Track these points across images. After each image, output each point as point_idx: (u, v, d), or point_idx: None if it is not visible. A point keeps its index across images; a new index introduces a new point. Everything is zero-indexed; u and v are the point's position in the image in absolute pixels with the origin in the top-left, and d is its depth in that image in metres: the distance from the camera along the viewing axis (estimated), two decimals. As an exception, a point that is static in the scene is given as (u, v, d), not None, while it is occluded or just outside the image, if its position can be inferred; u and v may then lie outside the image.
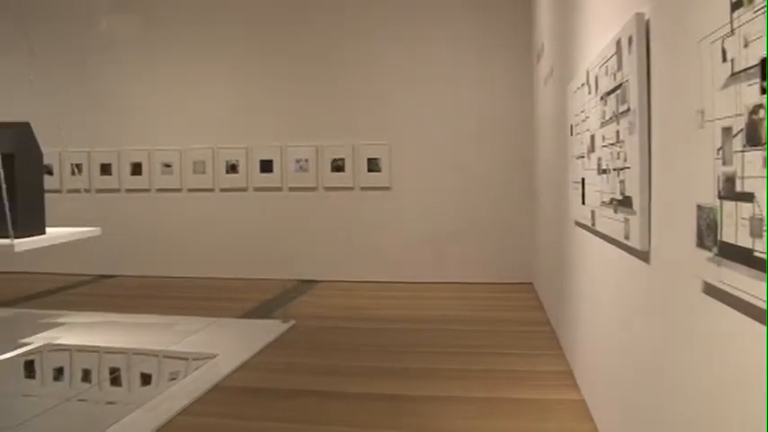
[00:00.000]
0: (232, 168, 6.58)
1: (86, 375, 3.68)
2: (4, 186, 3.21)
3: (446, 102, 6.12)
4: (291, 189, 6.46)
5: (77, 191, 6.96)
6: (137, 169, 6.83)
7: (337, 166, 6.34)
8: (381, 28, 6.22)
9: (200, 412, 2.91)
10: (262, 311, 5.03)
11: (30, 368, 3.78)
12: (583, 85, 2.74)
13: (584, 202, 2.74)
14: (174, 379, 3.46)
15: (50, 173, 6.88)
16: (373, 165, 6.26)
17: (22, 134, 3.51)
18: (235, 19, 6.54)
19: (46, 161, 4.27)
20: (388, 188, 6.25)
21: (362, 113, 6.28)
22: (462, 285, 5.87)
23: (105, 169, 6.91)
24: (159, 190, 6.80)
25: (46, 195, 3.93)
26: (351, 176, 6.31)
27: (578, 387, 3.10)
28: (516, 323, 4.52)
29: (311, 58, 6.37)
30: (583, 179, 2.75)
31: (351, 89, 6.30)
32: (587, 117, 2.63)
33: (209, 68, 6.62)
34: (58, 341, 4.20)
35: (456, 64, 6.10)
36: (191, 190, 6.73)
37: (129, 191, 6.87)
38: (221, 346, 3.93)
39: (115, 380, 3.53)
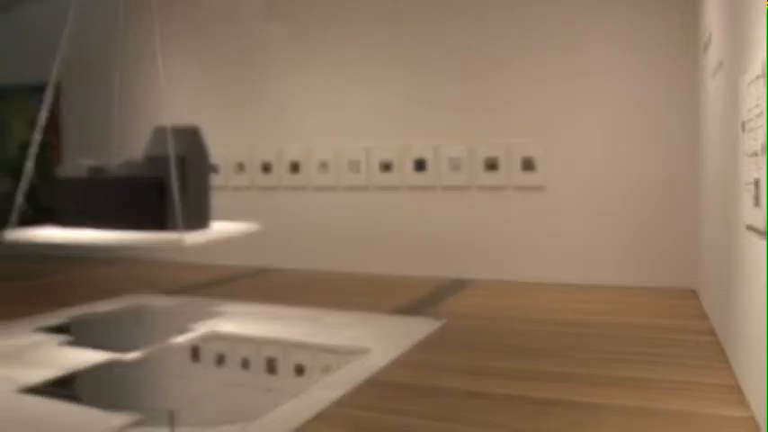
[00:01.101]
0: (386, 167, 6.67)
1: (245, 363, 3.85)
2: (176, 186, 3.40)
3: (603, 98, 5.86)
4: (444, 188, 6.45)
5: (242, 188, 7.36)
6: (295, 167, 7.09)
7: (491, 165, 6.26)
8: (537, 25, 6.07)
9: (352, 404, 2.95)
10: (413, 309, 5.05)
11: (195, 353, 4.01)
12: (758, 77, 2.51)
13: (757, 204, 2.52)
14: (326, 372, 3.54)
15: (216, 171, 7.31)
16: (527, 164, 6.13)
17: (193, 137, 3.72)
18: (390, 18, 6.61)
19: (212, 160, 4.51)
20: (542, 187, 6.09)
21: (517, 111, 6.15)
22: (618, 289, 5.61)
23: (266, 167, 7.23)
24: (316, 188, 7.02)
25: (211, 192, 4.16)
26: (504, 175, 6.20)
27: (747, 404, 2.85)
28: (676, 331, 4.24)
29: (465, 55, 6.32)
30: (756, 180, 2.53)
31: (505, 87, 6.19)
32: (762, 111, 2.42)
33: (365, 68, 6.75)
34: (220, 329, 4.44)
35: (613, 59, 5.82)
36: (346, 188, 6.89)
37: (287, 188, 7.15)
38: (373, 342, 3.98)
39: (271, 369, 3.67)
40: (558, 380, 3.26)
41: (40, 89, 8.91)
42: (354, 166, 6.80)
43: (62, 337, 4.25)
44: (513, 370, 3.44)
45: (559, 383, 3.20)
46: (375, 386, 3.21)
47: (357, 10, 6.76)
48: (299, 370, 3.67)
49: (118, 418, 2.76)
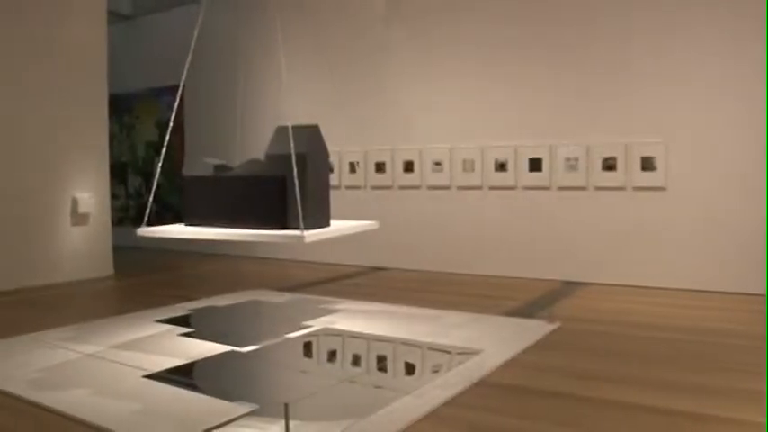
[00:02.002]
0: (501, 167, 6.59)
1: (356, 360, 3.89)
2: (297, 184, 3.48)
3: (724, 98, 5.54)
4: (560, 188, 6.30)
5: (355, 187, 7.47)
6: (409, 167, 7.12)
7: (608, 166, 6.06)
8: (660, 24, 5.82)
9: (464, 405, 2.92)
10: (526, 311, 4.96)
11: (309, 348, 4.09)
12: None
13: None
14: (437, 371, 3.53)
15: (332, 170, 7.46)
16: (647, 164, 5.89)
17: (312, 135, 3.80)
18: (506, 17, 6.52)
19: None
20: (662, 188, 5.84)
21: (636, 110, 5.91)
22: (745, 297, 5.30)
23: (380, 167, 7.30)
24: (430, 187, 7.02)
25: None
26: (623, 176, 5.99)
27: None
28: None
29: (582, 53, 6.15)
30: None
31: (624, 85, 5.97)
32: None
33: (479, 67, 6.69)
34: (334, 326, 4.51)
35: (738, 54, 5.49)
36: (460, 188, 6.86)
37: (401, 188, 7.18)
38: (485, 343, 3.93)
39: (382, 366, 3.70)
40: (669, 388, 3.11)
41: (165, 92, 9.43)
42: (469, 165, 6.75)
43: (183, 329, 4.45)
44: (632, 377, 3.31)
45: (669, 392, 3.04)
46: (488, 387, 3.17)
47: (477, 11, 6.70)
48: (411, 368, 3.67)
49: (235, 407, 2.85)
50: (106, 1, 7.24)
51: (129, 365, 3.58)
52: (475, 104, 6.72)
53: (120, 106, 10.05)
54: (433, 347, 3.94)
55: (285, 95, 7.50)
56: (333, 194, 4.16)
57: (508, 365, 3.51)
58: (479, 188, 6.73)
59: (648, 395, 3.02)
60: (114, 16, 9.58)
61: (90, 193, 6.95)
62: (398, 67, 7.16)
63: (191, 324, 4.65)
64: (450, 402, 2.93)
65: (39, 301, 5.65)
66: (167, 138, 4.31)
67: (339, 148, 7.31)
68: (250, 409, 2.82)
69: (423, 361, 3.84)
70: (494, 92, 6.62)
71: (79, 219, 6.86)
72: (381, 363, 3.78)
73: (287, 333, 4.30)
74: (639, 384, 3.19)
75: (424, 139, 7.00)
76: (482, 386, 3.17)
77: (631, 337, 4.15)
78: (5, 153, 6.23)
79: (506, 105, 6.54)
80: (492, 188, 6.66)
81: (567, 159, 6.23)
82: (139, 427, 2.67)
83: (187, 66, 4.30)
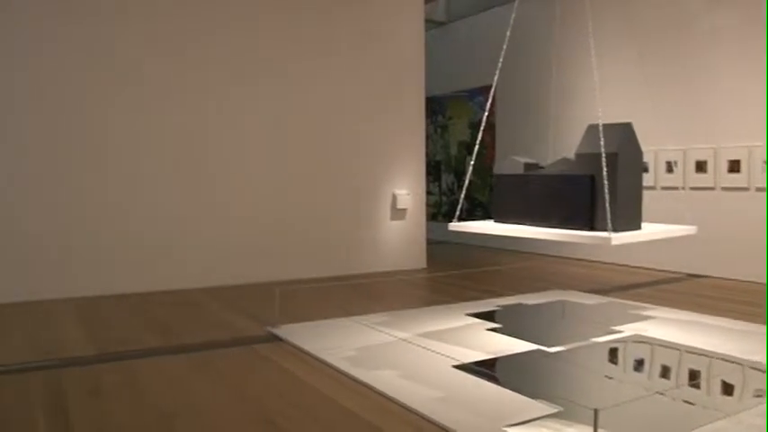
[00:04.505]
0: None
1: (666, 371, 3.66)
2: (606, 184, 3.38)
3: None
4: None
5: (673, 188, 7.02)
6: (734, 167, 6.48)
7: None
8: None
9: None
10: None
11: (615, 354, 3.94)
12: None
13: None
14: (759, 396, 3.17)
15: (646, 170, 7.09)
16: None
17: (624, 134, 3.65)
18: None
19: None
20: None
21: None
22: None
23: (700, 167, 6.76)
24: (757, 189, 6.33)
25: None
26: None
27: None
28: None
29: None
30: None
31: None
32: None
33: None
34: (644, 333, 4.29)
35: None
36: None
37: (724, 189, 6.58)
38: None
39: (695, 382, 3.43)
40: None
41: (477, 93, 9.72)
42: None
43: (490, 324, 4.56)
44: None
45: None
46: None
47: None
48: (728, 389, 3.35)
49: (539, 407, 2.86)
50: (423, 12, 7.68)
51: (439, 353, 3.77)
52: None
53: (434, 108, 10.60)
54: (756, 367, 3.56)
55: (599, 93, 7.30)
56: (646, 195, 3.96)
57: None
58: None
59: None
60: (430, 24, 10.14)
61: (407, 190, 7.45)
62: (726, 57, 6.55)
63: (497, 320, 4.75)
64: (778, 430, 2.63)
65: (360, 287, 6.19)
66: (479, 136, 4.45)
67: (655, 147, 6.94)
68: (554, 411, 2.81)
69: (743, 382, 3.49)
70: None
71: (398, 214, 7.39)
72: (694, 378, 3.52)
73: (594, 336, 4.19)
74: None
75: (752, 136, 6.32)
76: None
77: None
78: (343, 154, 7.04)
79: None
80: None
81: None
82: (444, 414, 2.79)
83: (499, 66, 4.39)
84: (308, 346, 3.94)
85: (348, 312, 5.01)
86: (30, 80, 5.57)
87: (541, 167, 3.96)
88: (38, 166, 5.61)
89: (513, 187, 3.98)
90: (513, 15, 4.55)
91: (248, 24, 6.50)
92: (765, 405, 2.89)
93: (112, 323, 4.75)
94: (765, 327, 4.40)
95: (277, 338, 4.19)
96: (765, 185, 5.57)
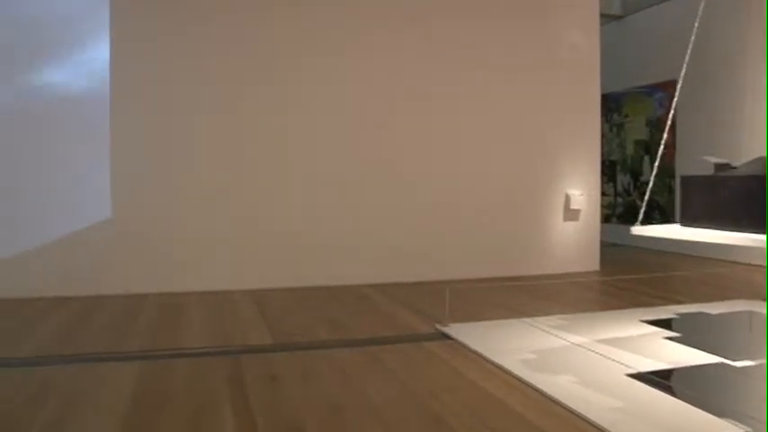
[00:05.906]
0: None
1: None
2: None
3: None
4: None
5: None
6: None
7: None
8: None
9: None
10: None
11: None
12: None
13: None
14: None
15: None
16: None
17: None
18: None
19: None
20: None
21: None
22: None
23: None
24: None
25: None
26: None
27: None
28: None
29: None
30: None
31: None
32: None
33: None
34: None
35: None
36: None
37: None
38: None
39: None
40: None
41: (657, 89, 9.24)
42: None
43: (668, 332, 4.32)
44: None
45: None
46: None
47: None
48: None
49: (724, 425, 2.67)
50: (598, 7, 7.42)
51: (613, 360, 3.63)
52: None
53: (609, 105, 10.19)
54: None
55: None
56: None
57: None
58: None
59: None
60: (605, 18, 9.76)
61: (581, 191, 7.23)
62: None
63: (676, 328, 4.50)
64: None
65: (532, 289, 6.09)
66: (664, 136, 4.23)
67: None
68: (738, 431, 2.61)
69: None
70: None
71: (571, 214, 7.20)
72: None
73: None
74: None
75: None
76: None
77: None
78: (516, 153, 6.99)
79: None
80: None
81: None
82: (621, 426, 2.67)
83: (686, 60, 4.15)
84: (478, 347, 3.92)
85: (518, 314, 4.94)
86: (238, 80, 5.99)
87: (734, 168, 3.70)
88: (242, 167, 6.03)
89: (702, 189, 3.74)
90: (702, 5, 4.28)
91: (436, 33, 6.67)
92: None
93: (286, 314, 4.98)
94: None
95: (446, 337, 4.21)
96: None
